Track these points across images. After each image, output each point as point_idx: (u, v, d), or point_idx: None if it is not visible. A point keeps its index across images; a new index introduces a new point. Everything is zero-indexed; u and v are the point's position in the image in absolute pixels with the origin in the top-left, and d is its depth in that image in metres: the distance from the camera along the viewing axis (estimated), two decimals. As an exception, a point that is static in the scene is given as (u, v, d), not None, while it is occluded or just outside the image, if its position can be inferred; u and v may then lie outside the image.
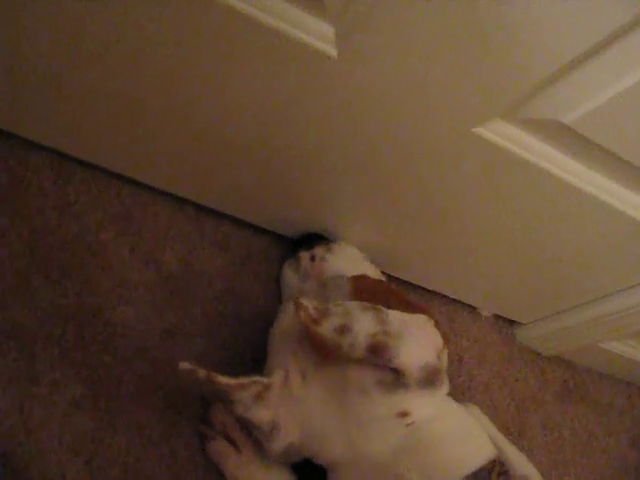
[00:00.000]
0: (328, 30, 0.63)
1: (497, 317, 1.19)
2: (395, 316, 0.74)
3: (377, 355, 0.70)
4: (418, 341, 0.72)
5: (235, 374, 0.85)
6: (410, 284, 1.07)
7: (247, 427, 0.76)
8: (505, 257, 0.95)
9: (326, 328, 0.71)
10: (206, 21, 0.61)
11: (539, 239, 0.89)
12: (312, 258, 0.92)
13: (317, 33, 0.62)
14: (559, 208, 0.81)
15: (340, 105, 0.70)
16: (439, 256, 0.98)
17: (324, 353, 0.73)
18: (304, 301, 0.72)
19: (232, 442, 0.81)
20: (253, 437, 0.77)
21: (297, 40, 0.62)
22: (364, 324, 0.71)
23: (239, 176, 0.85)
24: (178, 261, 0.89)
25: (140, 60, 0.67)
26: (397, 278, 1.05)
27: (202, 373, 0.69)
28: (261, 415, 0.73)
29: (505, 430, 1.12)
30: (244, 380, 0.72)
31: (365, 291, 0.80)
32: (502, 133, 0.71)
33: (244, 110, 0.73)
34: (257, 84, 0.68)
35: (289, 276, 0.92)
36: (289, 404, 0.74)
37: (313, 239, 0.94)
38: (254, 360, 0.88)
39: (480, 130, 0.71)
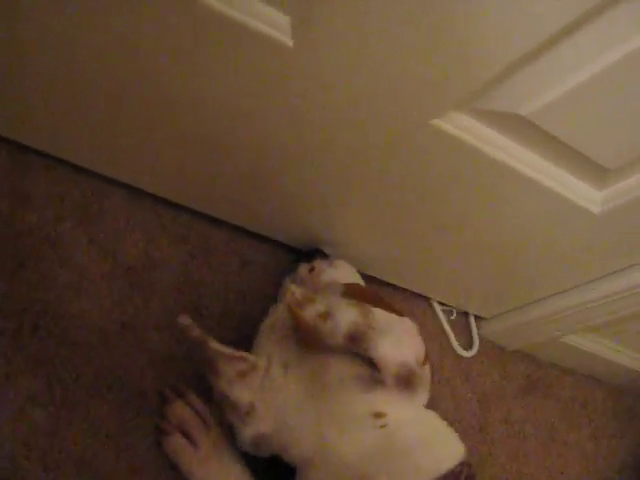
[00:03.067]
0: (284, 20, 0.62)
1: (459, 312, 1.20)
2: (380, 314, 0.74)
3: (355, 343, 0.71)
4: (398, 339, 0.73)
5: (192, 368, 0.85)
6: (374, 278, 1.07)
7: (221, 407, 0.76)
8: (465, 250, 0.96)
9: (310, 312, 0.72)
10: (164, 11, 0.61)
11: (497, 232, 0.89)
12: (311, 269, 0.93)
13: (272, 23, 0.62)
14: (517, 200, 0.81)
15: (298, 95, 0.69)
16: (401, 249, 0.98)
17: (305, 339, 0.74)
18: (293, 286, 0.73)
19: (189, 438, 0.80)
20: (225, 422, 0.77)
21: (253, 30, 0.61)
22: (347, 314, 0.72)
23: (203, 167, 0.84)
24: (137, 253, 0.88)
25: (95, 47, 0.66)
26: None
27: (196, 332, 0.71)
28: (242, 394, 0.73)
29: (467, 424, 1.12)
30: (234, 352, 0.73)
31: (356, 295, 0.80)
32: (460, 125, 0.71)
33: (205, 101, 0.72)
34: (216, 74, 0.68)
35: (286, 283, 0.93)
36: (267, 392, 0.75)
37: (313, 254, 0.95)
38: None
39: (438, 122, 0.71)
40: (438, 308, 1.15)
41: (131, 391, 0.82)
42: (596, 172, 0.77)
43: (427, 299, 1.15)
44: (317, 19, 0.60)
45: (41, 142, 0.83)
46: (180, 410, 0.81)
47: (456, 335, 1.17)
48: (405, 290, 1.11)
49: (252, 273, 0.96)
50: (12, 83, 0.73)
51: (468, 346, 1.18)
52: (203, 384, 0.76)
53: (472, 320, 1.20)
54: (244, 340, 0.91)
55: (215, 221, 0.94)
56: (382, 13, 0.58)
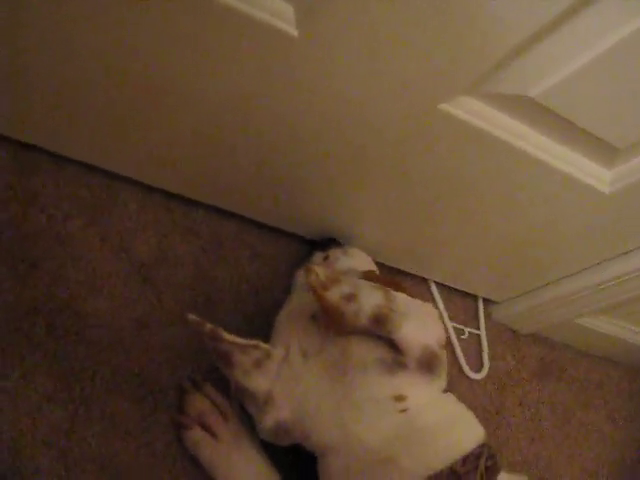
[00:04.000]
0: (287, 9, 0.62)
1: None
2: (402, 298, 0.75)
3: (379, 325, 0.71)
4: (422, 322, 0.73)
5: (208, 362, 0.85)
6: (382, 265, 1.06)
7: (240, 398, 0.76)
8: (477, 234, 0.95)
9: (334, 293, 0.71)
10: (168, 4, 0.61)
11: (508, 215, 0.89)
12: (325, 257, 0.93)
13: (277, 12, 0.62)
14: (527, 183, 0.81)
15: (304, 85, 0.69)
16: (411, 235, 0.98)
17: (328, 322, 0.73)
18: (315, 267, 0.72)
19: (209, 431, 0.81)
20: (244, 409, 0.77)
21: (257, 20, 0.61)
22: (371, 297, 0.72)
23: (212, 161, 0.84)
24: (149, 249, 0.88)
25: (97, 47, 0.66)
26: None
27: (208, 327, 0.70)
28: (258, 383, 0.73)
29: (483, 409, 1.12)
30: (248, 341, 0.73)
31: (375, 282, 0.80)
32: (468, 109, 0.71)
33: (211, 93, 0.72)
34: (221, 66, 0.68)
35: (298, 274, 0.93)
36: (286, 380, 0.74)
37: (328, 243, 0.96)
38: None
39: (446, 106, 0.70)
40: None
41: (148, 387, 0.82)
42: (605, 151, 0.77)
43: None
44: (321, 7, 0.60)
45: (47, 141, 0.83)
46: (198, 403, 0.82)
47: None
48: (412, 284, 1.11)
49: (263, 265, 0.96)
50: (16, 82, 0.73)
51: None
52: (220, 377, 0.76)
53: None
54: (258, 332, 0.91)
55: (226, 214, 0.94)
56: (386, 8, 0.58)
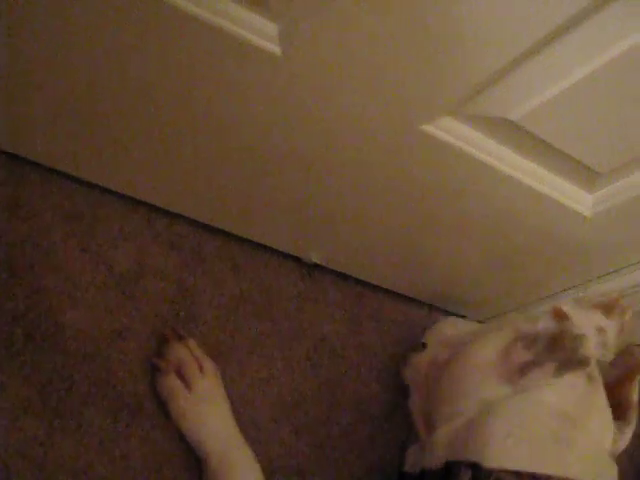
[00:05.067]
0: (271, 28, 0.62)
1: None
2: None
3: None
4: None
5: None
6: (368, 284, 1.07)
7: None
8: (459, 254, 0.96)
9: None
10: (151, 20, 0.61)
11: (488, 236, 0.89)
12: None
13: (260, 31, 0.62)
14: (509, 205, 0.81)
15: (286, 103, 0.70)
16: (398, 256, 0.98)
17: None
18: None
19: (184, 381, 0.82)
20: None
21: (241, 39, 0.61)
22: None
23: (195, 175, 0.84)
24: (130, 262, 0.88)
25: (82, 60, 0.66)
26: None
27: None
28: None
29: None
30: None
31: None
32: (450, 130, 0.71)
33: (197, 110, 0.72)
34: (206, 84, 0.68)
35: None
36: None
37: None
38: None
39: (428, 127, 0.70)
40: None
41: (125, 399, 0.82)
42: (587, 175, 0.77)
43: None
44: (305, 27, 0.60)
45: (33, 152, 0.83)
46: (179, 351, 0.84)
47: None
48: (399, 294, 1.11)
49: (245, 279, 0.96)
50: (7, 94, 0.73)
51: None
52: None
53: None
54: (238, 346, 0.91)
55: (207, 228, 0.94)
56: (372, 22, 0.58)
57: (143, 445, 0.81)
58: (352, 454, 0.97)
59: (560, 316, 0.78)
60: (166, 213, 0.91)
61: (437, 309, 1.11)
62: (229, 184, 0.85)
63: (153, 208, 0.90)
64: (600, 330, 0.77)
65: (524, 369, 0.76)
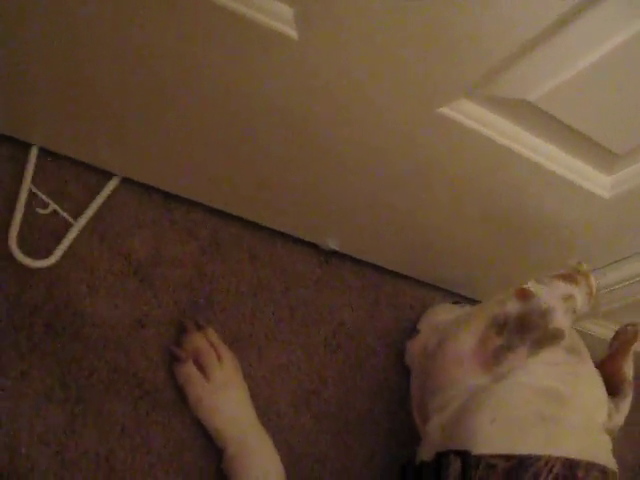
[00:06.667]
0: (287, 11, 0.62)
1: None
2: None
3: None
4: None
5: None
6: (379, 267, 1.07)
7: None
8: (474, 237, 0.95)
9: None
10: (170, 6, 0.61)
11: (507, 219, 0.89)
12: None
13: (276, 15, 0.62)
14: (526, 187, 0.81)
15: (305, 87, 0.69)
16: (414, 241, 0.98)
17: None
18: None
19: (202, 370, 0.83)
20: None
21: (257, 22, 0.61)
22: None
23: (211, 161, 0.84)
24: (147, 249, 0.88)
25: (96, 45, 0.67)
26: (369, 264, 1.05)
27: None
28: None
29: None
30: None
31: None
32: (467, 113, 0.71)
33: (213, 96, 0.72)
34: (223, 69, 0.68)
35: None
36: None
37: None
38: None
39: (445, 110, 0.70)
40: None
41: (145, 387, 0.83)
42: (605, 157, 0.76)
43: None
44: (319, 10, 0.60)
45: (46, 140, 0.84)
46: (197, 341, 0.84)
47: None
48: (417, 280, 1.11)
49: (262, 266, 0.96)
50: (14, 79, 0.74)
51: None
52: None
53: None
54: (256, 333, 0.92)
55: (224, 215, 0.94)
56: (386, 3, 0.58)
57: (164, 432, 0.82)
58: (371, 440, 0.97)
59: (524, 295, 0.77)
60: (183, 200, 0.91)
61: (453, 294, 1.11)
62: (245, 170, 0.85)
63: (169, 196, 0.91)
64: (567, 298, 0.76)
65: (498, 355, 0.76)
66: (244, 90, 0.71)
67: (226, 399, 0.83)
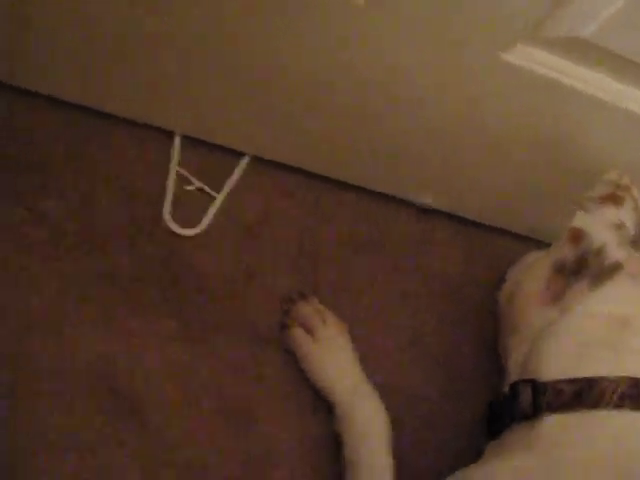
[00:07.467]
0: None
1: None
2: None
3: None
4: None
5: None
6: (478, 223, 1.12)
7: None
8: (551, 185, 0.99)
9: None
10: None
11: (575, 160, 0.91)
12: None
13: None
14: (592, 126, 0.84)
15: (373, 53, 0.76)
16: (502, 192, 1.03)
17: None
18: None
19: (309, 332, 0.91)
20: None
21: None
22: None
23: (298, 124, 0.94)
24: (256, 212, 1.00)
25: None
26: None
27: None
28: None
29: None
30: None
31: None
32: (527, 56, 0.74)
33: (287, 67, 0.82)
34: (290, 37, 0.76)
35: None
36: None
37: None
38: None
39: (506, 55, 0.74)
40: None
41: (259, 330, 0.93)
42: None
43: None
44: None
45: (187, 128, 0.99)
46: (302, 308, 0.93)
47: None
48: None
49: (363, 222, 1.06)
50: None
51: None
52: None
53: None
54: (357, 283, 1.00)
55: (325, 179, 1.04)
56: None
57: (275, 368, 0.92)
58: (473, 383, 1.02)
59: (576, 237, 0.79)
60: (287, 167, 1.02)
61: (547, 244, 1.13)
62: (340, 136, 0.94)
63: (276, 164, 1.02)
64: (618, 226, 0.78)
65: (560, 294, 0.79)
66: (312, 57, 0.79)
67: (332, 358, 0.91)
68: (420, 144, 0.94)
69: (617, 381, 0.70)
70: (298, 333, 0.91)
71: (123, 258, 0.91)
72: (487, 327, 0.99)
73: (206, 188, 0.98)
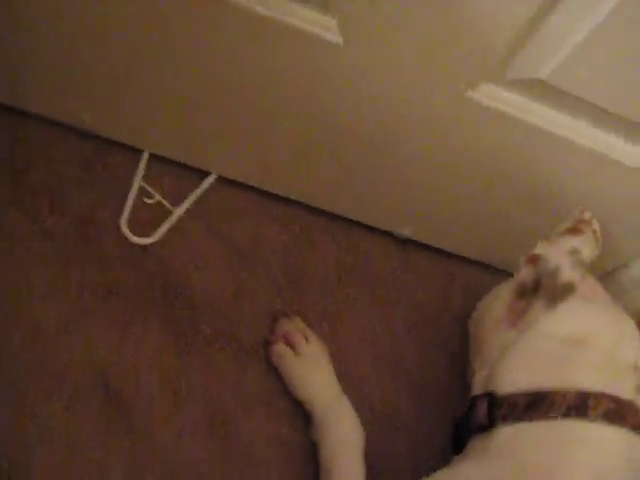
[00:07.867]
0: (330, 22, 0.75)
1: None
2: None
3: None
4: None
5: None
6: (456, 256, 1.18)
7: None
8: (504, 211, 1.05)
9: None
10: (223, 21, 0.77)
11: (535, 194, 0.98)
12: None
13: (322, 25, 0.75)
14: (553, 162, 0.90)
15: (352, 88, 0.83)
16: (478, 226, 1.10)
17: None
18: None
19: (292, 347, 0.97)
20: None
21: (306, 33, 0.76)
22: None
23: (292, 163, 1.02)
24: (246, 236, 1.07)
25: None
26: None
27: None
28: None
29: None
30: None
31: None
32: (491, 95, 0.80)
33: (274, 101, 0.88)
34: (275, 75, 0.83)
35: None
36: None
37: None
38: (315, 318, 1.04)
39: (471, 93, 0.80)
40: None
41: (243, 343, 0.99)
42: (627, 127, 0.82)
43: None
44: (358, 19, 0.73)
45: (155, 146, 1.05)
46: (286, 326, 0.99)
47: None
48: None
49: (346, 253, 1.12)
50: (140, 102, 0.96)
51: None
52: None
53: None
54: (340, 310, 1.06)
55: (312, 209, 1.12)
56: (410, 11, 0.71)
57: (260, 378, 0.97)
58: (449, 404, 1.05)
59: (533, 260, 0.86)
60: (275, 196, 1.10)
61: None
62: (318, 168, 1.02)
63: (265, 193, 1.10)
64: (573, 251, 0.84)
65: (520, 314, 0.86)
66: (293, 93, 0.86)
67: (313, 370, 0.96)
68: (397, 178, 1.01)
69: (565, 393, 0.76)
70: (281, 348, 0.97)
71: (121, 272, 0.98)
72: (463, 353, 1.04)
73: (164, 202, 1.05)
